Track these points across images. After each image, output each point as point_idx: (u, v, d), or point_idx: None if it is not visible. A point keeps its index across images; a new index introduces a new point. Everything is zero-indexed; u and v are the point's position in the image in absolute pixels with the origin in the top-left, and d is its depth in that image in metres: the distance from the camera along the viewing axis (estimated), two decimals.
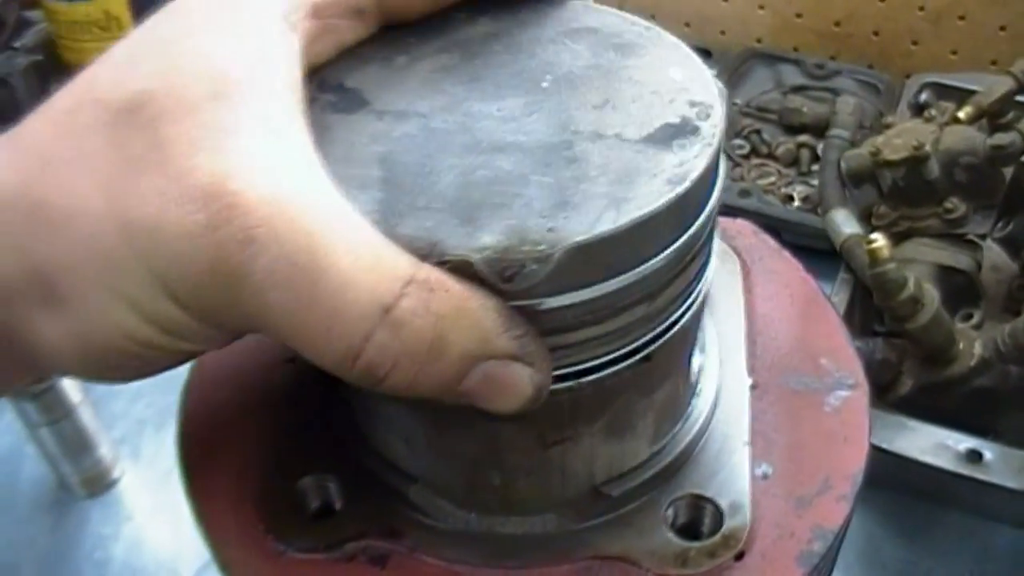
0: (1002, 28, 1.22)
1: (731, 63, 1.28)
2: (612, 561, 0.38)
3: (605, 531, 0.39)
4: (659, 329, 0.35)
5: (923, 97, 1.13)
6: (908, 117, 1.08)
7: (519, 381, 0.32)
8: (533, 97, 0.35)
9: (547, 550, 0.38)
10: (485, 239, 0.30)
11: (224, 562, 0.38)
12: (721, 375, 0.44)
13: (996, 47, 1.23)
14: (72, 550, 0.86)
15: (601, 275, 0.32)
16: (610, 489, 0.39)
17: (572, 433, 0.37)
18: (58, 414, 0.82)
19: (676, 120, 0.34)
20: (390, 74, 0.37)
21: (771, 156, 1.19)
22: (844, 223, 0.97)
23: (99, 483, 0.89)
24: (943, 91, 1.13)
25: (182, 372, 0.42)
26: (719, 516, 0.39)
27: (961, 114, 0.95)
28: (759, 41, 1.35)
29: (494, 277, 0.30)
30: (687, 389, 0.41)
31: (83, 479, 0.88)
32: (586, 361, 0.34)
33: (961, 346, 0.82)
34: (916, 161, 0.92)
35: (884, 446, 0.78)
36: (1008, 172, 0.92)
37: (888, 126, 1.00)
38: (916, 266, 0.90)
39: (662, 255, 0.33)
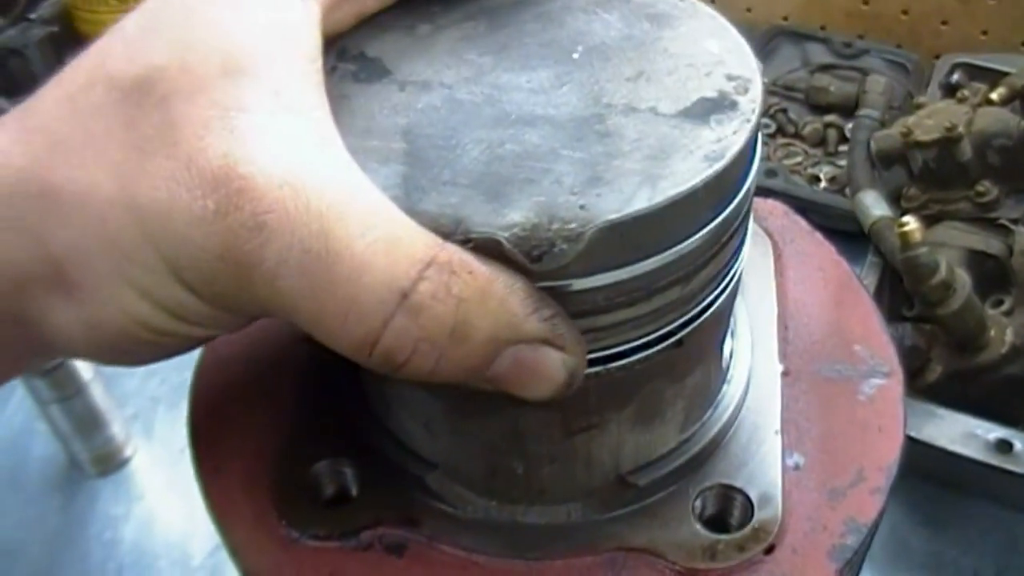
0: None
1: (757, 41, 1.27)
2: (637, 553, 0.37)
3: (630, 522, 0.38)
4: (692, 313, 0.34)
5: (955, 78, 1.12)
6: (939, 98, 1.07)
7: (551, 365, 0.31)
8: (563, 68, 0.34)
9: (570, 541, 0.38)
10: (513, 216, 0.30)
11: (235, 548, 0.38)
12: (752, 361, 0.43)
13: None
14: (81, 530, 0.86)
15: (634, 255, 0.31)
16: (636, 478, 0.38)
17: (598, 420, 0.36)
18: (69, 391, 0.82)
19: (713, 94, 0.33)
20: (413, 43, 0.36)
21: (797, 136, 1.19)
22: (874, 205, 0.96)
23: (110, 462, 0.89)
24: (974, 72, 1.12)
25: (196, 350, 0.41)
26: (749, 508, 0.38)
27: (994, 95, 0.95)
28: (786, 19, 1.34)
29: (522, 256, 0.30)
30: (718, 375, 0.40)
31: (94, 457, 0.88)
32: (616, 345, 0.33)
33: (992, 333, 0.81)
34: (949, 142, 0.91)
35: (912, 434, 0.75)
36: None
37: (919, 106, 0.99)
38: (946, 250, 0.89)
39: (698, 235, 0.32)
